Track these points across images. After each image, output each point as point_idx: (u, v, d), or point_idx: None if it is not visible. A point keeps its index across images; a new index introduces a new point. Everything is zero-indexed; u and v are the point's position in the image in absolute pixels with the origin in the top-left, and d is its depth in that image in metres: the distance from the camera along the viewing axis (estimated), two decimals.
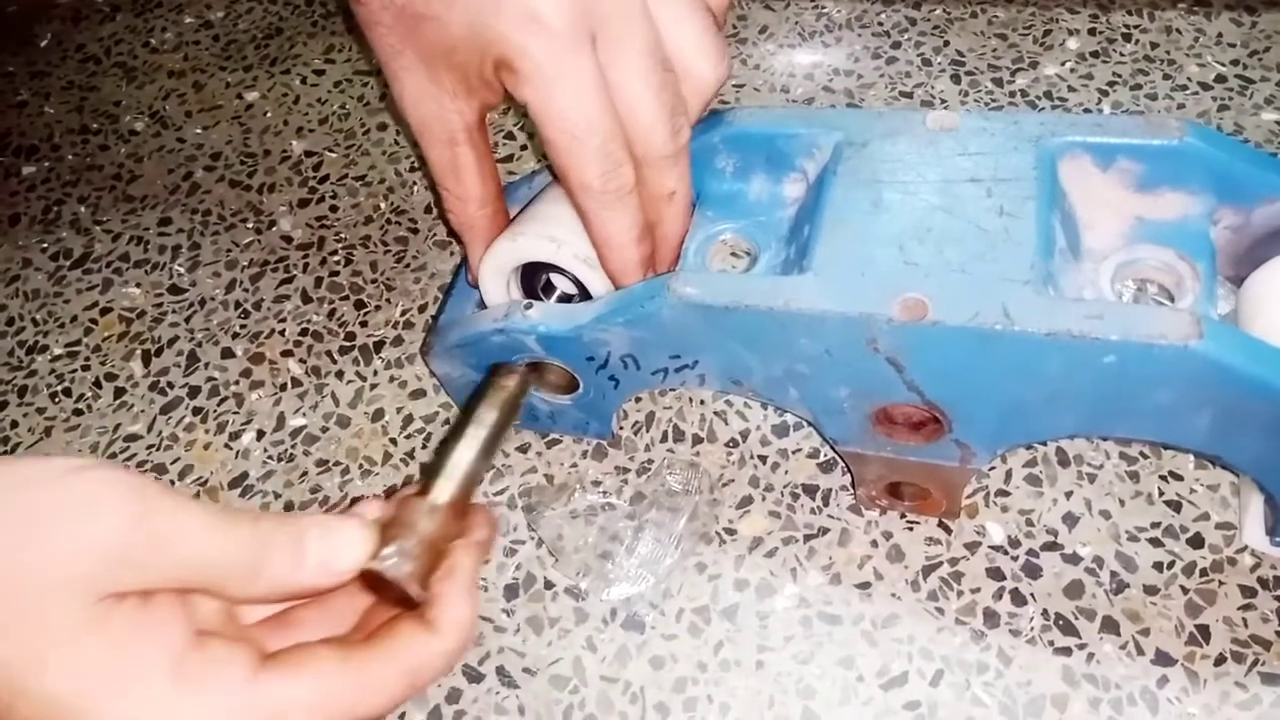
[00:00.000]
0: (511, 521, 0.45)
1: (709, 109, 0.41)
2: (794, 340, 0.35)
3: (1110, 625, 0.39)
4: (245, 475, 0.49)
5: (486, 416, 0.33)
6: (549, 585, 0.43)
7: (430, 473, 0.32)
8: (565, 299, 0.43)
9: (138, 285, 0.58)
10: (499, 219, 0.42)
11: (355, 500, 0.47)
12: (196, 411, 0.52)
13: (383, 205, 0.59)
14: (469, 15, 0.35)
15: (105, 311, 0.57)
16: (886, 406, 0.37)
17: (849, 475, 0.43)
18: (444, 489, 0.31)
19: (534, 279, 0.43)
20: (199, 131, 0.66)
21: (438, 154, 0.40)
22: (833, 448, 0.42)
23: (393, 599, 0.30)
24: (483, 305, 0.44)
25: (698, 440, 0.47)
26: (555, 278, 0.43)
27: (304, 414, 0.51)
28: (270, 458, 0.50)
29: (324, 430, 0.50)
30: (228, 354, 0.54)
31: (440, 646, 0.29)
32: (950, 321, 0.32)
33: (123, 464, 0.25)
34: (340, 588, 0.30)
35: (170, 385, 0.53)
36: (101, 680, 0.25)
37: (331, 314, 0.55)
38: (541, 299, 0.43)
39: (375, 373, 0.52)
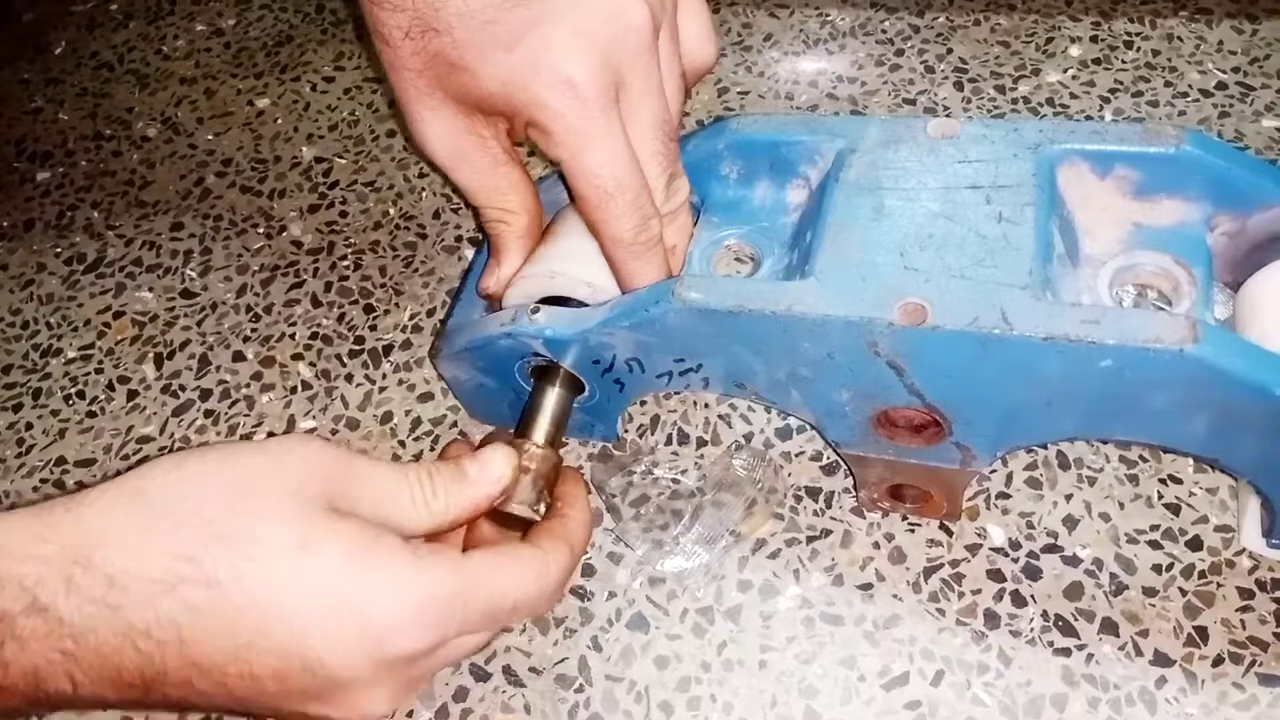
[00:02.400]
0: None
1: (702, 111, 0.42)
2: (797, 344, 0.36)
3: (1109, 626, 0.40)
4: None
5: (559, 369, 0.42)
6: None
7: (526, 416, 0.41)
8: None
9: (150, 289, 0.59)
10: (540, 231, 0.44)
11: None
12: (208, 414, 0.53)
13: (392, 210, 0.60)
14: (503, 73, 0.36)
15: (118, 315, 0.58)
16: (888, 409, 0.37)
17: (851, 478, 0.44)
18: (541, 430, 0.41)
19: (551, 299, 0.43)
20: (210, 138, 0.67)
21: (481, 179, 0.41)
22: (835, 450, 0.43)
23: (522, 526, 0.39)
24: (491, 309, 0.45)
25: (702, 443, 0.47)
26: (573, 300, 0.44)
27: (314, 416, 0.52)
28: None
29: (333, 433, 0.51)
30: (239, 357, 0.55)
31: (580, 521, 0.39)
32: (949, 326, 0.33)
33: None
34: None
35: (182, 388, 0.54)
36: (358, 555, 0.31)
37: (341, 318, 0.55)
38: None
39: (384, 376, 0.53)
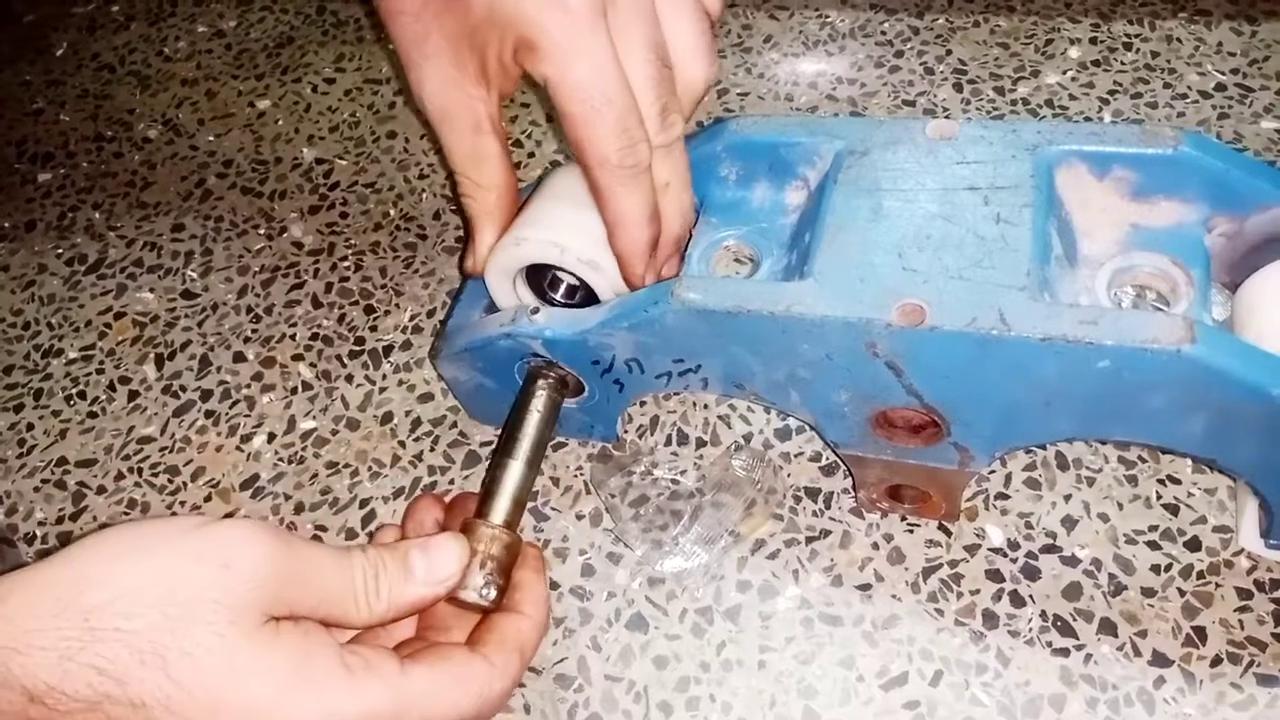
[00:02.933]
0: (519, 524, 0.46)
1: (697, 108, 0.41)
2: (795, 345, 0.36)
3: (1108, 626, 0.40)
4: (256, 477, 0.50)
5: (528, 430, 0.40)
6: (554, 585, 0.44)
7: (487, 492, 0.38)
8: (571, 291, 0.44)
9: (151, 290, 0.59)
10: (513, 208, 0.43)
11: (365, 501, 0.48)
12: (209, 414, 0.53)
13: (392, 211, 0.60)
14: None
15: (119, 316, 0.58)
16: (886, 410, 0.37)
17: (850, 479, 0.44)
18: (500, 510, 0.38)
19: (540, 275, 0.44)
20: (211, 139, 0.67)
21: (460, 141, 0.40)
22: (834, 451, 0.43)
23: (479, 610, 0.36)
24: (491, 310, 0.45)
25: (701, 444, 0.47)
26: (559, 272, 0.44)
27: (314, 417, 0.52)
28: (281, 460, 0.50)
29: (334, 433, 0.51)
30: (239, 358, 0.55)
31: (535, 622, 0.36)
32: (947, 327, 0.33)
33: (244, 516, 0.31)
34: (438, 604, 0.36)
35: (183, 389, 0.54)
36: (291, 680, 0.30)
37: (341, 319, 0.55)
38: (549, 294, 0.44)
39: (384, 376, 0.53)
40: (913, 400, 0.36)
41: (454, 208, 0.60)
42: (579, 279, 0.42)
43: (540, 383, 0.42)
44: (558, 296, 0.44)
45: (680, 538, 0.44)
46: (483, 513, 0.38)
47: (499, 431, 0.40)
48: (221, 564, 0.30)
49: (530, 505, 0.47)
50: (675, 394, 0.49)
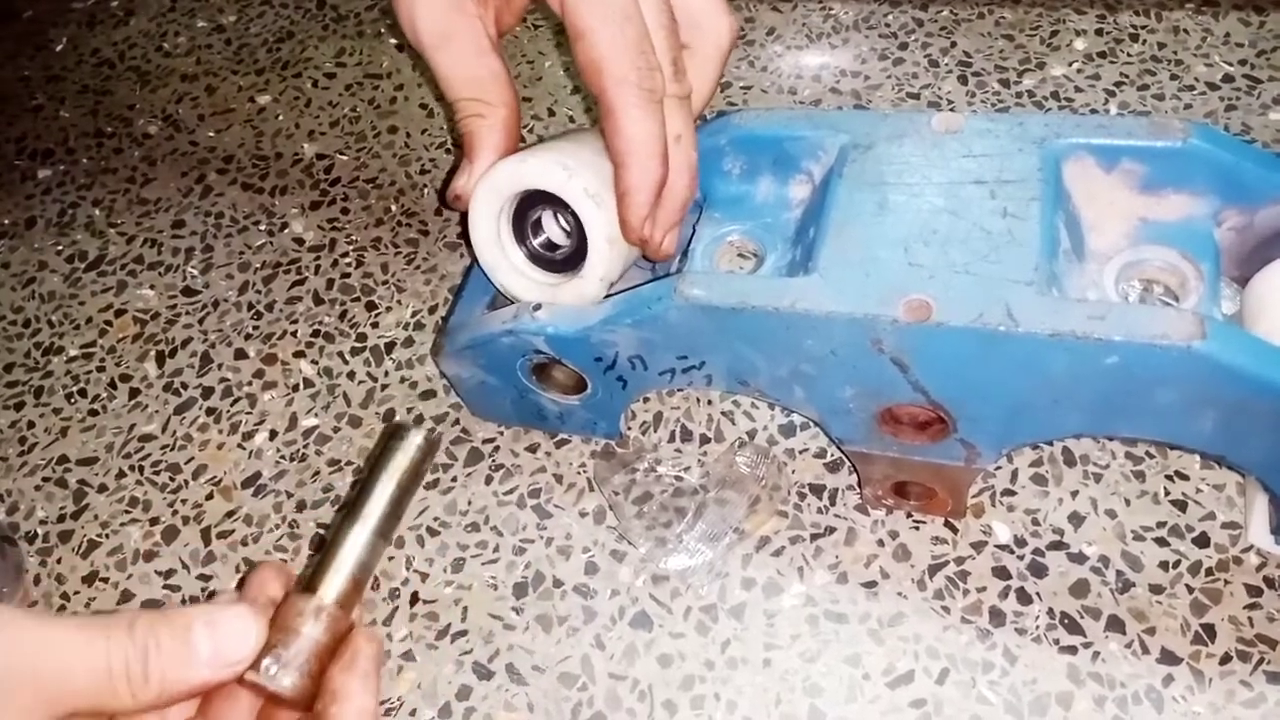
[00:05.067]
0: (521, 521, 0.46)
1: (724, 68, 0.41)
2: (799, 341, 0.35)
3: (1116, 624, 0.40)
4: (258, 475, 0.50)
5: (381, 494, 0.31)
6: (558, 584, 0.44)
7: (320, 560, 0.30)
8: (549, 246, 0.42)
9: (152, 287, 0.59)
10: (517, 134, 0.41)
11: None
12: (210, 412, 0.52)
13: (393, 207, 0.60)
14: None
15: (120, 313, 0.58)
16: (891, 406, 0.37)
17: (855, 475, 0.44)
18: (333, 585, 0.30)
19: (526, 215, 0.41)
20: (212, 135, 0.66)
21: (461, 62, 0.39)
22: (839, 448, 0.42)
23: (284, 703, 0.29)
24: (493, 306, 0.45)
25: (705, 440, 0.47)
26: (547, 219, 0.42)
27: (316, 414, 0.51)
28: (283, 457, 0.50)
29: (336, 430, 0.51)
30: (241, 355, 0.55)
31: None
32: (954, 322, 0.32)
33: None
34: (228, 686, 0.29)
35: (184, 386, 0.54)
36: None
37: (343, 315, 0.55)
38: (528, 237, 0.42)
39: (386, 373, 0.52)
40: (919, 396, 0.36)
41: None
42: (572, 226, 0.40)
43: (410, 436, 0.31)
44: (536, 244, 0.42)
45: (684, 535, 0.43)
46: (312, 585, 0.30)
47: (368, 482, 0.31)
48: None
49: (533, 503, 0.46)
50: (679, 390, 0.49)
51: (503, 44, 0.40)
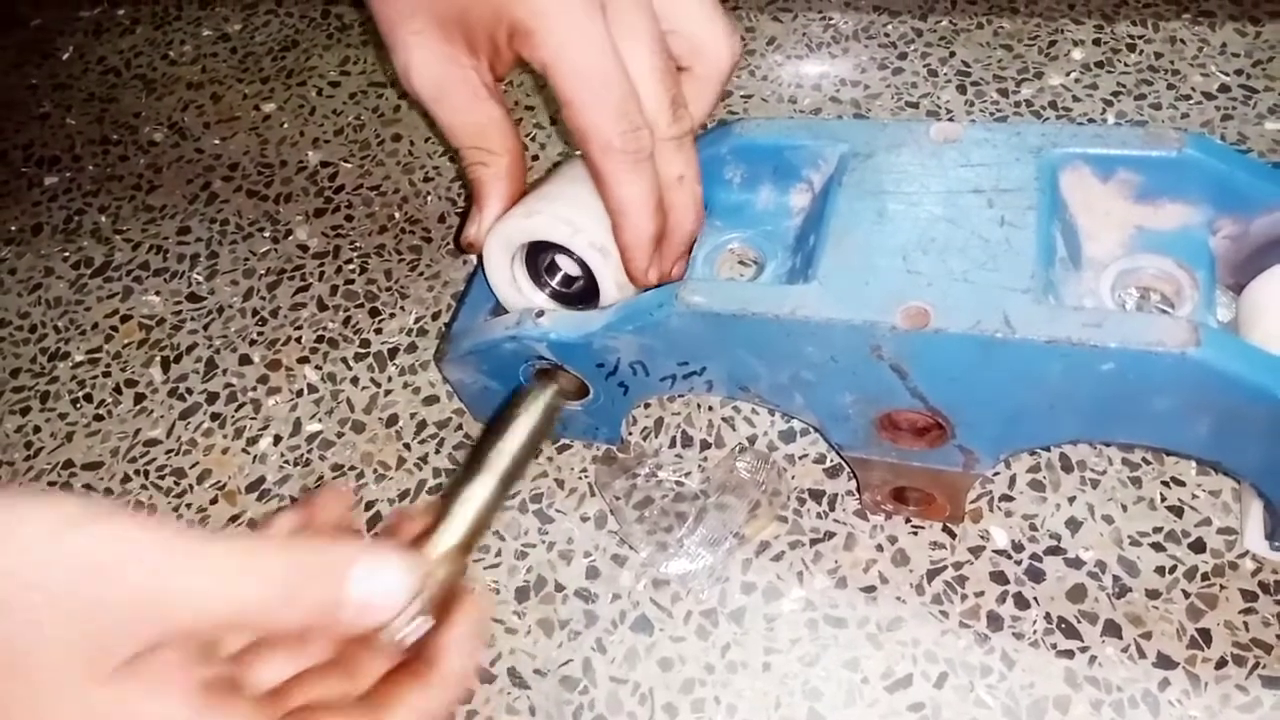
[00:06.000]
0: (523, 525, 0.46)
1: (724, 90, 0.41)
2: (800, 348, 0.36)
3: (1112, 628, 0.40)
4: (262, 479, 0.50)
5: (507, 448, 0.33)
6: (559, 588, 0.44)
7: (444, 507, 0.31)
8: (568, 280, 0.43)
9: (157, 293, 0.59)
10: (523, 179, 0.41)
11: (370, 504, 0.48)
12: (215, 417, 0.53)
13: (397, 214, 0.60)
14: None
15: (125, 319, 0.58)
16: (890, 412, 0.37)
17: (854, 481, 0.44)
18: (454, 536, 0.30)
19: (539, 256, 0.42)
20: (217, 142, 0.67)
21: (461, 112, 0.39)
22: (838, 453, 0.43)
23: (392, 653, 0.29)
24: (496, 312, 0.45)
25: (705, 445, 0.47)
26: (561, 258, 0.43)
27: (320, 419, 0.52)
28: (287, 462, 0.50)
29: (339, 435, 0.51)
30: (245, 361, 0.55)
31: (441, 699, 0.29)
32: (952, 329, 0.33)
33: (126, 507, 0.24)
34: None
35: (189, 391, 0.54)
36: None
37: (347, 321, 0.56)
38: (544, 277, 0.43)
39: (389, 379, 0.53)
40: (917, 403, 0.36)
41: (459, 210, 0.60)
42: (581, 267, 0.41)
43: (538, 393, 0.35)
44: (553, 283, 0.43)
45: (685, 540, 0.44)
46: (435, 535, 0.30)
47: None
48: (72, 595, 0.24)
49: (535, 507, 0.47)
50: (680, 396, 0.49)
51: (501, 89, 0.40)
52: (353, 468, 0.50)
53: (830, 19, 0.65)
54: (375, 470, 0.49)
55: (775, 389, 0.39)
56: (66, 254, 0.62)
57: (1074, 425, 0.35)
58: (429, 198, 0.61)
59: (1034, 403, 0.34)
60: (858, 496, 0.44)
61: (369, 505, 0.48)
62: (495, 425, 0.34)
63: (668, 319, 0.37)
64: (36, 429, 0.54)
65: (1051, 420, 0.35)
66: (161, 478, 0.51)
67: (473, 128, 0.39)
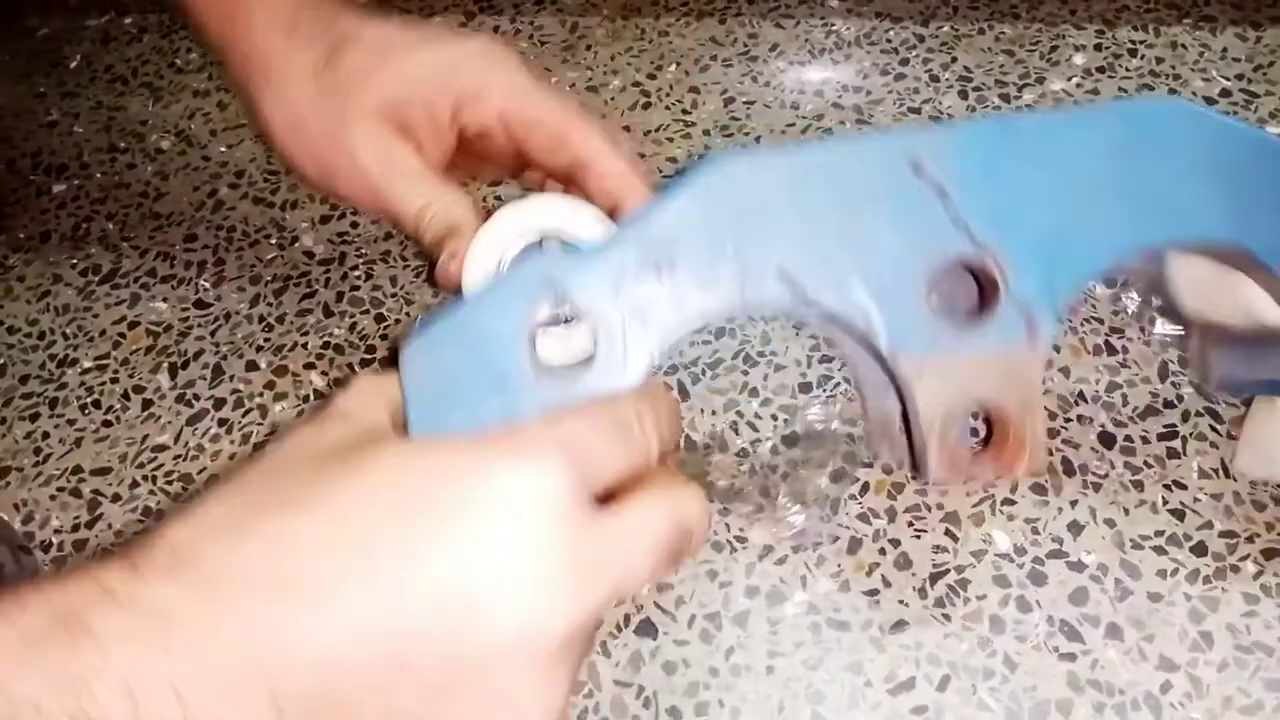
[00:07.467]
0: None
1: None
2: (844, 192, 0.35)
3: (1114, 631, 0.40)
4: None
5: None
6: None
7: None
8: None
9: (164, 300, 0.60)
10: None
11: None
12: (222, 423, 0.53)
13: None
14: (426, 55, 0.38)
15: (133, 325, 0.59)
16: (942, 274, 0.35)
17: (858, 485, 0.44)
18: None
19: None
20: (224, 150, 0.67)
21: (417, 189, 0.39)
22: (893, 378, 0.38)
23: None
24: None
25: (708, 450, 0.48)
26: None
27: None
28: None
29: None
30: (252, 367, 0.55)
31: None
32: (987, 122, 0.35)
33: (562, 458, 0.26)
34: None
35: (196, 397, 0.55)
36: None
37: (353, 327, 0.56)
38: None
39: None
40: (963, 240, 0.35)
41: None
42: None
43: None
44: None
45: (783, 500, 0.45)
46: None
47: None
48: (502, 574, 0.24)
49: None
50: (684, 402, 0.49)
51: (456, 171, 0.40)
52: None
53: (832, 25, 0.65)
54: None
55: (825, 262, 0.35)
56: (74, 261, 0.63)
57: (1109, 234, 0.35)
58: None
59: (1069, 207, 0.35)
60: (915, 475, 0.39)
61: None
62: None
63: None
64: (45, 435, 0.55)
65: (1091, 229, 0.35)
66: (169, 483, 0.51)
67: (434, 203, 0.39)
